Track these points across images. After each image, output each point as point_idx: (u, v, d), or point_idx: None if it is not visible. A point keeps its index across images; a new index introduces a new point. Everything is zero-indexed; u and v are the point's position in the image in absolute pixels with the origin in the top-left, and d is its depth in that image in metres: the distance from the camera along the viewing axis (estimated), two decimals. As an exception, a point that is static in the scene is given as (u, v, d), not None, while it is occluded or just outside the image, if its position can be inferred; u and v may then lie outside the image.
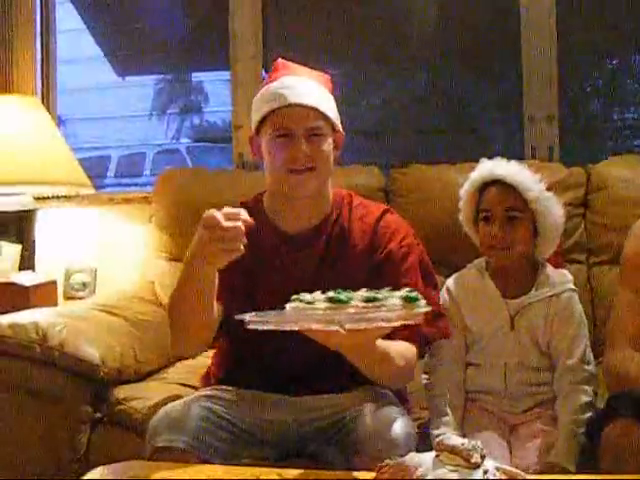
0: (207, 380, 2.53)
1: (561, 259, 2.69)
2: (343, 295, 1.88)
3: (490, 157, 2.53)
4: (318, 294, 1.92)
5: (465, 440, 1.70)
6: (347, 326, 1.84)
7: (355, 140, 4.21)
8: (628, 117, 4.27)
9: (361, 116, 4.23)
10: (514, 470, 1.72)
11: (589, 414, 2.30)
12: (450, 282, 2.55)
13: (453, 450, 1.69)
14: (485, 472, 1.66)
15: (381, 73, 4.14)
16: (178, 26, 4.54)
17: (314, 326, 1.88)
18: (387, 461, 1.77)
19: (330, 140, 2.35)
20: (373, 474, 1.77)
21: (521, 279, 2.47)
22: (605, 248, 3.13)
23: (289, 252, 2.39)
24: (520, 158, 2.94)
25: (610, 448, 2.08)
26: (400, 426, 2.16)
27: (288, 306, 1.91)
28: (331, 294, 1.89)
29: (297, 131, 2.29)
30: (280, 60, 2.44)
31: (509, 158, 2.51)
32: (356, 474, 1.91)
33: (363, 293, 1.91)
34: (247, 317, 1.90)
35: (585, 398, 2.34)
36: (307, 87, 2.34)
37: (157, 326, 3.12)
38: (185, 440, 2.14)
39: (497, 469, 1.68)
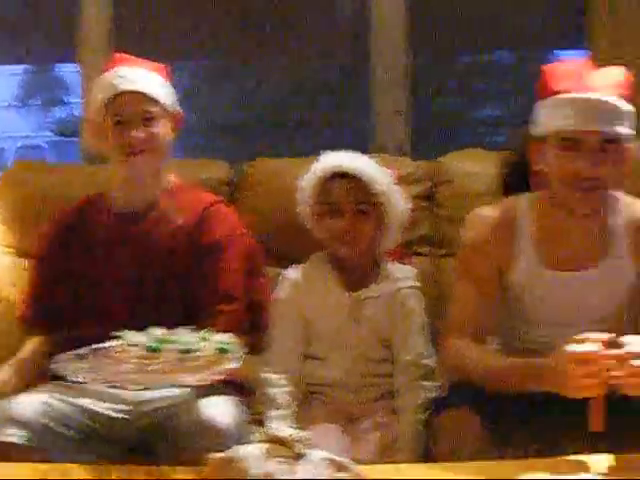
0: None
1: (403, 252, 2.72)
2: (155, 344, 1.89)
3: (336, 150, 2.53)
4: (138, 336, 1.93)
5: (292, 431, 1.70)
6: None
7: (210, 135, 4.20)
8: (484, 114, 4.35)
9: (217, 111, 4.20)
10: (342, 460, 1.72)
11: (428, 411, 2.30)
12: (290, 274, 2.53)
13: (279, 441, 1.69)
14: (311, 463, 1.66)
15: (239, 69, 4.12)
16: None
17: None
18: (213, 454, 1.76)
19: (164, 122, 2.48)
20: (201, 467, 1.76)
21: (363, 272, 2.48)
22: (450, 241, 3.15)
23: (120, 229, 2.49)
24: (369, 152, 2.95)
25: (443, 436, 2.11)
26: (228, 418, 2.15)
27: (108, 344, 1.92)
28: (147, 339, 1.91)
29: (130, 117, 2.42)
30: (117, 54, 2.58)
31: (359, 152, 2.52)
32: (180, 469, 1.89)
33: (182, 338, 1.92)
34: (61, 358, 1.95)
35: (424, 395, 2.36)
36: (137, 75, 2.46)
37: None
38: (24, 435, 2.13)
39: (324, 459, 1.68)
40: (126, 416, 2.30)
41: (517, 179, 2.42)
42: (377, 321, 2.44)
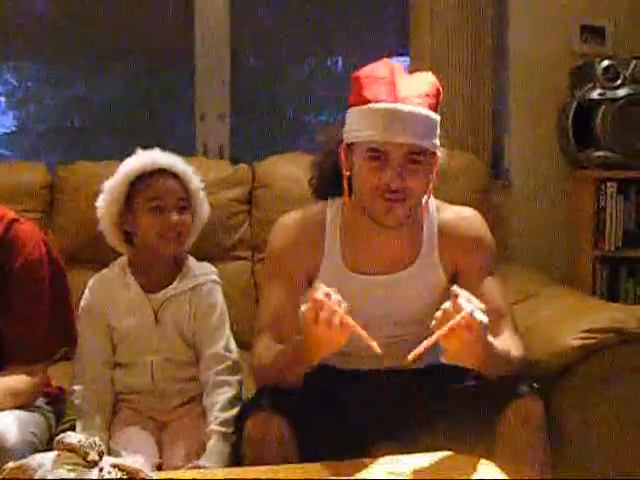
0: None
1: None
2: None
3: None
4: None
5: (81, 437, 1.66)
6: None
7: (34, 138, 4.10)
8: (315, 120, 4.37)
9: (43, 114, 4.10)
10: (133, 467, 1.69)
11: (236, 410, 2.29)
12: (92, 282, 2.50)
13: (71, 448, 1.66)
14: (101, 470, 1.63)
15: (68, 70, 4.03)
16: None
17: None
18: (9, 464, 1.71)
19: None
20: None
21: (165, 272, 2.46)
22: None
23: None
24: (191, 155, 2.93)
25: (251, 441, 2.09)
26: (15, 434, 2.09)
27: None
28: None
29: None
30: None
31: (182, 155, 2.50)
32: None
33: None
34: None
35: (231, 392, 2.35)
36: None
37: None
38: None
39: (114, 466, 1.65)
40: None
41: (325, 182, 2.42)
42: (180, 320, 2.42)
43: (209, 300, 2.45)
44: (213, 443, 2.27)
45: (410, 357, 1.82)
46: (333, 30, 4.04)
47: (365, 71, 2.22)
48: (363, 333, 1.89)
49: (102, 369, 2.41)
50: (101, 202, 2.46)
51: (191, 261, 2.49)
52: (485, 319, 1.93)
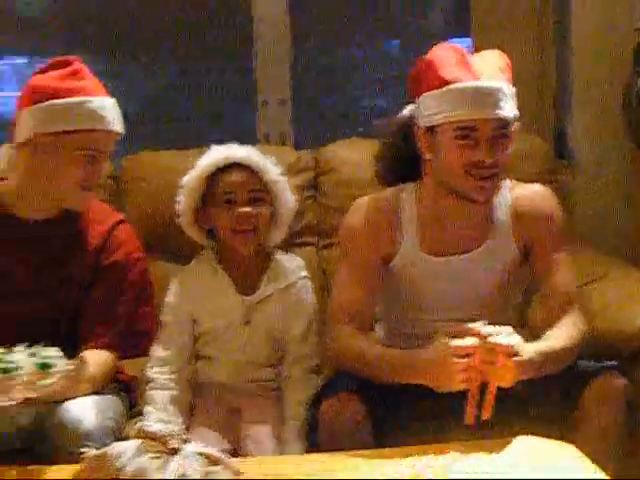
0: None
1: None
2: None
3: (224, 142, 2.52)
4: None
5: (162, 426, 1.68)
6: None
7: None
8: (369, 104, 4.35)
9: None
10: (216, 454, 1.71)
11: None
12: (180, 277, 2.50)
13: (153, 437, 1.67)
14: (185, 457, 1.65)
15: (125, 60, 4.05)
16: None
17: None
18: (89, 452, 1.74)
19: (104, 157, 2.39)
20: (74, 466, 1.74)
21: (254, 269, 2.46)
22: (335, 230, 3.15)
23: (22, 240, 2.33)
24: (253, 143, 2.93)
25: (326, 425, 2.11)
26: (94, 419, 2.13)
27: None
28: None
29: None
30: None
31: (243, 143, 2.51)
32: (55, 467, 1.86)
33: (8, 356, 1.90)
34: None
35: (313, 390, 2.36)
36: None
37: None
38: None
39: (197, 453, 1.67)
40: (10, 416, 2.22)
41: (392, 170, 2.43)
42: (271, 322, 2.44)
43: (301, 299, 2.46)
44: (293, 433, 2.28)
45: (485, 417, 1.96)
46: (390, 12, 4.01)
47: (435, 55, 2.26)
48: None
49: (183, 362, 2.43)
50: (179, 198, 2.47)
51: (279, 255, 2.49)
52: (515, 339, 2.00)
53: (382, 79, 4.23)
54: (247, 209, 2.38)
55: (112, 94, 2.38)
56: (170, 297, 2.48)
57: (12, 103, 2.47)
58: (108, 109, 2.32)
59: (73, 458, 1.86)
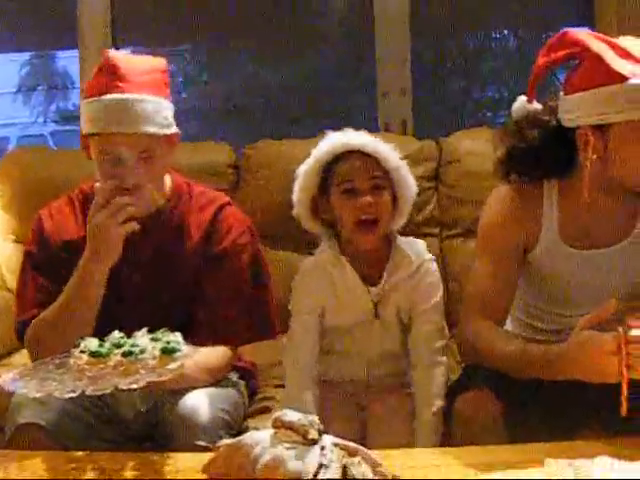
0: None
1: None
2: (101, 350, 1.83)
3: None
4: (94, 342, 1.87)
5: (301, 416, 1.65)
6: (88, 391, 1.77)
7: (212, 117, 4.15)
8: (488, 94, 4.31)
9: (220, 93, 4.15)
10: (353, 445, 1.67)
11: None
12: (307, 267, 2.42)
13: (290, 426, 1.65)
14: (322, 448, 1.62)
15: (240, 51, 4.07)
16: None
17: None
18: (224, 440, 1.73)
19: (161, 149, 2.26)
20: (210, 454, 1.73)
21: (378, 258, 2.38)
22: (457, 221, 3.13)
23: (127, 238, 2.22)
24: (374, 132, 2.90)
25: (462, 419, 2.07)
26: (207, 412, 2.13)
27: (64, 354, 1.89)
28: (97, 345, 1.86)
29: (125, 156, 2.19)
30: (108, 58, 2.26)
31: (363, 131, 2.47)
32: (191, 455, 1.86)
33: (131, 341, 1.88)
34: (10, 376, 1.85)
35: (444, 375, 2.30)
36: (131, 110, 2.21)
37: (2, 310, 3.03)
38: (46, 418, 2.10)
39: (335, 445, 1.64)
40: (131, 400, 2.27)
41: (514, 162, 2.34)
42: (399, 309, 2.37)
43: (427, 282, 2.38)
44: (427, 432, 2.24)
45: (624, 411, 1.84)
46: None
47: (591, 47, 2.12)
48: None
49: (312, 356, 2.38)
50: (296, 187, 2.40)
51: (399, 240, 2.42)
52: None
53: (500, 70, 4.18)
54: (369, 198, 2.30)
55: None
56: (297, 287, 2.43)
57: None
58: (114, 111, 2.20)
59: (187, 449, 1.89)
